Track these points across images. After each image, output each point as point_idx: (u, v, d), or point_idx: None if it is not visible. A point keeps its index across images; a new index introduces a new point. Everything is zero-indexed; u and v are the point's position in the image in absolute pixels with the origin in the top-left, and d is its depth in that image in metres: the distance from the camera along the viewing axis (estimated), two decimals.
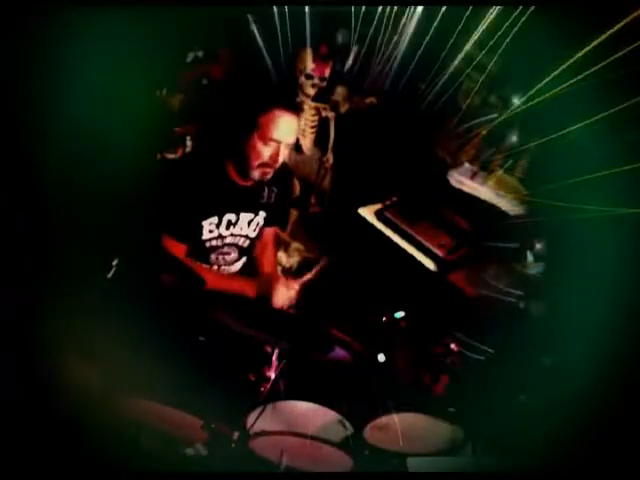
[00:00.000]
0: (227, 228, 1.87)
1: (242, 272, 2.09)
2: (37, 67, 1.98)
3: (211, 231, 1.84)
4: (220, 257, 1.95)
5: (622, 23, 1.82)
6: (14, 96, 1.92)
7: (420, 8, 2.50)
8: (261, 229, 2.01)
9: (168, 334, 1.76)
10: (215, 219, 1.82)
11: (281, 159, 1.71)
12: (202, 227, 1.81)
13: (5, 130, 1.87)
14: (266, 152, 1.67)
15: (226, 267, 2.00)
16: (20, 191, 2.00)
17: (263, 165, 1.70)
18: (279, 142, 1.66)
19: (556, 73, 2.11)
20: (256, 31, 2.65)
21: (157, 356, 1.68)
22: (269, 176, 1.75)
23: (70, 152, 2.06)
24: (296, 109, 1.71)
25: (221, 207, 1.82)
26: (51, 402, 1.75)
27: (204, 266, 1.92)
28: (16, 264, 1.91)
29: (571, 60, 2.02)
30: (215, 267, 1.97)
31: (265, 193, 1.89)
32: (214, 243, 1.89)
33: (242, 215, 1.88)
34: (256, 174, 1.72)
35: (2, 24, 1.74)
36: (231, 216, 1.85)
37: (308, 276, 1.89)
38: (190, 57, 2.66)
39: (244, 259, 2.07)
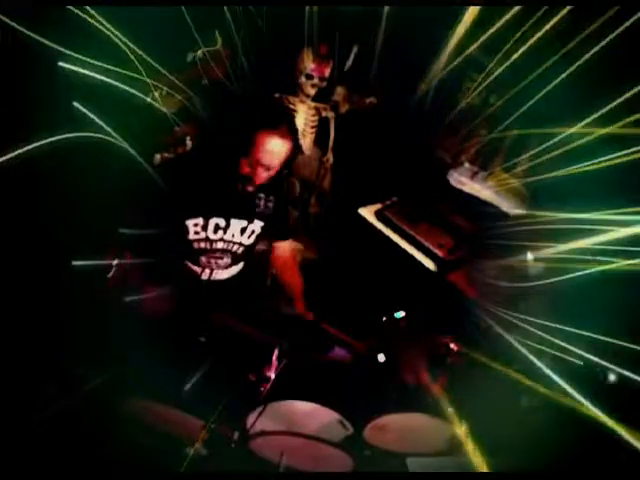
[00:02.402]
0: (215, 232, 1.85)
1: (239, 278, 2.08)
2: (38, 66, 1.98)
3: (197, 232, 1.83)
4: (212, 260, 1.93)
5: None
6: (14, 94, 1.92)
7: (420, 8, 2.49)
8: (269, 245, 2.00)
9: (168, 334, 1.76)
10: (200, 220, 1.80)
11: (260, 179, 1.70)
12: (187, 227, 1.80)
13: (5, 128, 1.87)
14: (247, 169, 1.68)
15: (219, 270, 1.99)
16: (20, 191, 2.00)
17: (243, 180, 1.70)
18: (263, 165, 1.66)
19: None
20: (256, 31, 2.65)
21: (158, 356, 1.69)
22: (250, 190, 1.75)
23: (70, 152, 2.06)
24: (290, 132, 1.66)
25: (208, 210, 1.80)
26: (51, 401, 1.75)
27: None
28: (16, 264, 1.92)
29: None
30: (207, 270, 1.96)
31: (262, 202, 1.87)
32: (202, 245, 1.87)
33: (233, 221, 1.86)
34: (238, 187, 1.74)
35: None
36: (219, 220, 1.83)
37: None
38: (190, 57, 2.66)
39: (241, 265, 2.05)
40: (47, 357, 1.82)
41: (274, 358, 1.66)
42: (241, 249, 1.95)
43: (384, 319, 2.06)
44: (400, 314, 2.06)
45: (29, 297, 1.88)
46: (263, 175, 1.70)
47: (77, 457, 1.69)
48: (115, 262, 1.79)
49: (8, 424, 1.70)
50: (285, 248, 2.12)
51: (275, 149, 1.63)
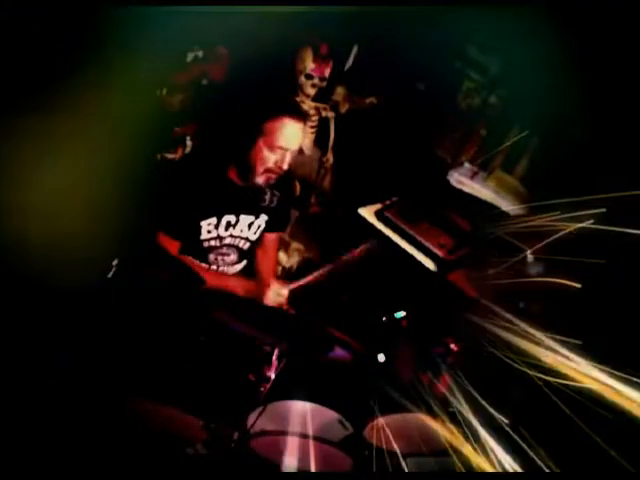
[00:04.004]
0: (226, 229, 1.87)
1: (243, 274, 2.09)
2: (37, 66, 1.98)
3: (209, 231, 1.84)
4: (219, 258, 1.94)
5: None
6: (13, 92, 1.92)
7: (420, 8, 2.49)
8: (262, 233, 2.01)
9: (168, 334, 1.76)
10: (214, 220, 1.82)
11: (286, 165, 1.73)
12: (200, 227, 1.81)
13: (5, 125, 1.87)
14: (272, 158, 1.70)
15: (225, 268, 2.00)
16: (19, 189, 2.00)
17: (268, 171, 1.73)
18: (285, 149, 1.68)
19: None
20: (256, 31, 2.64)
21: (157, 356, 1.68)
22: (273, 181, 1.78)
23: (70, 152, 2.06)
24: (302, 115, 1.74)
25: (220, 208, 1.82)
26: (51, 402, 1.75)
27: (202, 265, 1.93)
28: (16, 263, 1.91)
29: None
30: (214, 267, 1.97)
31: (267, 196, 1.88)
32: (212, 243, 1.89)
33: (242, 217, 1.88)
34: (261, 180, 1.75)
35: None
36: (230, 217, 1.85)
37: (300, 283, 1.89)
38: (190, 57, 2.65)
39: (244, 262, 2.07)
40: (46, 356, 1.82)
41: (274, 358, 1.65)
42: (247, 245, 1.97)
43: (384, 319, 2.06)
44: (400, 314, 2.06)
45: (26, 294, 1.88)
46: (286, 163, 1.72)
47: (76, 457, 1.69)
48: (115, 262, 1.79)
49: (7, 423, 1.70)
50: (273, 238, 2.12)
51: (292, 131, 1.67)
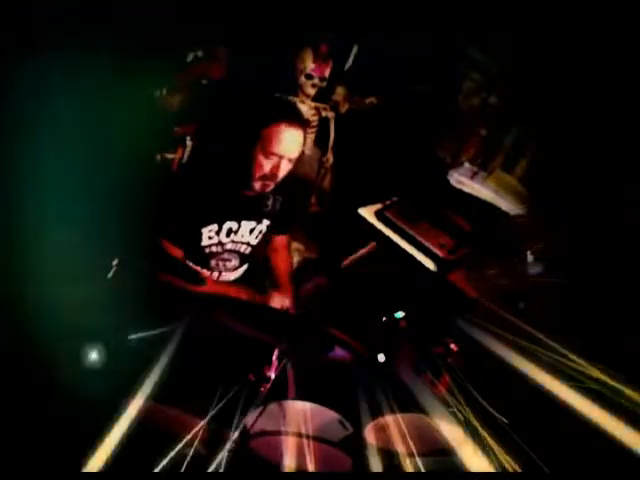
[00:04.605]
0: (227, 235, 1.86)
1: (244, 279, 2.09)
2: (37, 66, 1.98)
3: (210, 237, 1.83)
4: (220, 263, 1.94)
5: None
6: (11, 93, 1.93)
7: (420, 7, 2.50)
8: (270, 236, 2.01)
9: (168, 334, 1.76)
10: (215, 226, 1.81)
11: (282, 173, 1.69)
12: (201, 234, 1.81)
13: (3, 124, 1.87)
14: (267, 165, 1.65)
15: (226, 273, 2.00)
16: (20, 190, 2.00)
17: (264, 178, 1.69)
18: (281, 156, 1.64)
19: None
20: (256, 31, 2.65)
21: (157, 356, 1.68)
22: (269, 189, 1.75)
23: (71, 153, 2.06)
24: (301, 122, 1.68)
25: (222, 215, 1.81)
26: (51, 402, 1.75)
27: (204, 272, 1.93)
28: (17, 263, 1.92)
29: None
30: (215, 273, 1.97)
31: (270, 202, 1.87)
32: (214, 249, 1.88)
33: (244, 223, 1.87)
34: (257, 186, 1.72)
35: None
36: (232, 224, 1.84)
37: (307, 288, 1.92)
38: (190, 57, 2.66)
39: (245, 266, 2.07)
40: (46, 357, 1.82)
41: (274, 358, 1.65)
42: (248, 249, 1.96)
43: (384, 319, 2.06)
44: (400, 314, 2.06)
45: (25, 295, 1.88)
46: (282, 170, 1.68)
47: (76, 457, 1.69)
48: (115, 262, 1.79)
49: (6, 423, 1.70)
50: (282, 239, 2.13)
51: (292, 138, 1.62)
